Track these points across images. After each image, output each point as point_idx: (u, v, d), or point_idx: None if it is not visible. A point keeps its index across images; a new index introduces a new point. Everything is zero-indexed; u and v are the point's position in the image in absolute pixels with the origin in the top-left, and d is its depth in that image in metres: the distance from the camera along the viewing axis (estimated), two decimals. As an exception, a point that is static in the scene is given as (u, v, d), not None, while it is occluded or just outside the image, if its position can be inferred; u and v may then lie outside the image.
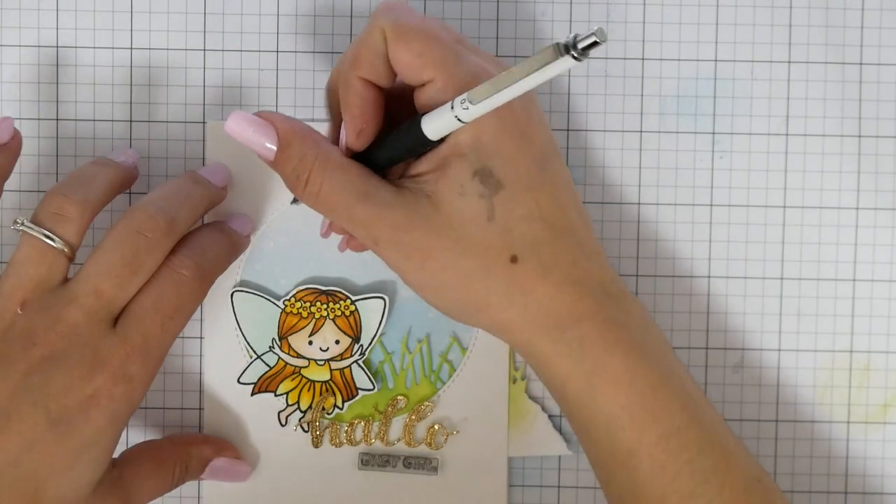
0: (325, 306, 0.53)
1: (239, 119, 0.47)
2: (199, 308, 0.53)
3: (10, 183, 0.51)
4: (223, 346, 0.54)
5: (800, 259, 0.54)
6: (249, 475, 0.54)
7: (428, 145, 0.46)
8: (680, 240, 0.54)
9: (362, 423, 0.54)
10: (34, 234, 0.47)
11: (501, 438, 0.54)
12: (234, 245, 0.52)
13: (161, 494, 0.51)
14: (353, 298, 0.53)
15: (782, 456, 0.55)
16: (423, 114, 0.45)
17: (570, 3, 0.54)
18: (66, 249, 0.47)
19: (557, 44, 0.39)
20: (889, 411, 0.54)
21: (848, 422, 0.54)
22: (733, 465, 0.46)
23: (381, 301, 0.53)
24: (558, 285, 0.45)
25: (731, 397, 0.54)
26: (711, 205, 0.54)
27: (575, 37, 0.38)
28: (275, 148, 0.47)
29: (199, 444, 0.53)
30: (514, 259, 0.45)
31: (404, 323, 0.54)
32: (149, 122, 0.54)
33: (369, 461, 0.54)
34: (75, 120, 0.54)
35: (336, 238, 0.52)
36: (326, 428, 0.54)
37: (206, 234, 0.50)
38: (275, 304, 0.53)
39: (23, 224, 0.47)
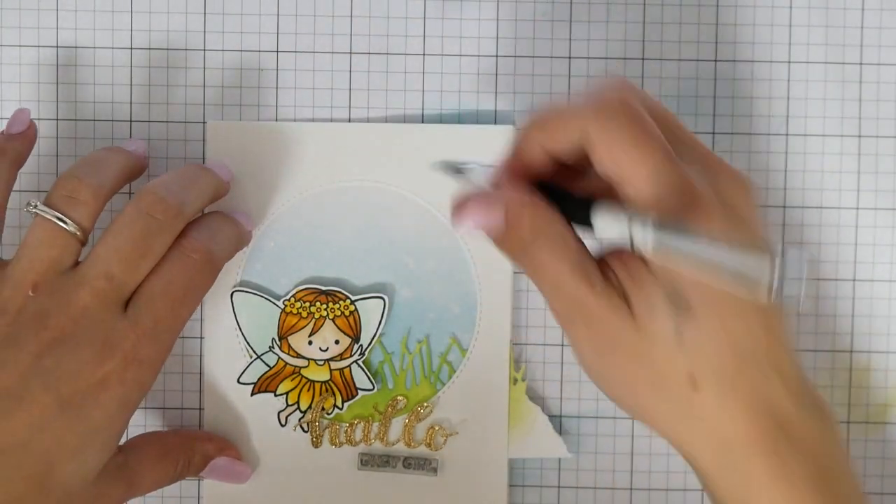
0: (324, 306, 0.53)
1: (469, 210, 0.43)
2: (199, 308, 0.53)
3: (10, 182, 0.51)
4: (223, 346, 0.54)
5: (800, 259, 0.54)
6: (249, 477, 0.54)
7: (583, 228, 0.43)
8: (680, 240, 0.54)
9: (362, 424, 0.54)
10: (47, 216, 0.47)
11: (501, 440, 0.54)
12: (241, 234, 0.52)
13: (162, 485, 0.50)
14: (353, 298, 0.53)
15: (783, 456, 0.54)
16: (596, 202, 0.42)
17: (571, 3, 0.54)
18: (78, 232, 0.47)
19: (770, 286, 0.38)
20: (889, 411, 0.54)
21: (848, 422, 0.54)
22: None
23: (380, 301, 0.53)
24: (734, 414, 0.42)
25: (732, 398, 0.54)
26: (711, 205, 0.54)
27: (781, 279, 0.38)
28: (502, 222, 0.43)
29: (203, 440, 0.53)
30: (694, 386, 0.43)
31: (404, 323, 0.54)
32: (149, 122, 0.54)
33: (369, 461, 0.54)
34: (75, 120, 0.54)
35: (334, 237, 0.52)
36: (326, 428, 0.54)
37: (215, 219, 0.50)
38: (275, 304, 0.53)
39: (36, 207, 0.47)
